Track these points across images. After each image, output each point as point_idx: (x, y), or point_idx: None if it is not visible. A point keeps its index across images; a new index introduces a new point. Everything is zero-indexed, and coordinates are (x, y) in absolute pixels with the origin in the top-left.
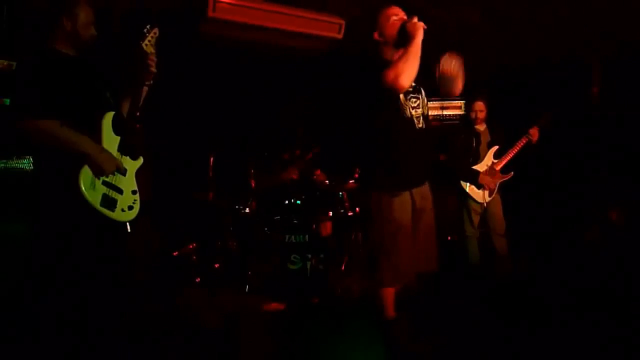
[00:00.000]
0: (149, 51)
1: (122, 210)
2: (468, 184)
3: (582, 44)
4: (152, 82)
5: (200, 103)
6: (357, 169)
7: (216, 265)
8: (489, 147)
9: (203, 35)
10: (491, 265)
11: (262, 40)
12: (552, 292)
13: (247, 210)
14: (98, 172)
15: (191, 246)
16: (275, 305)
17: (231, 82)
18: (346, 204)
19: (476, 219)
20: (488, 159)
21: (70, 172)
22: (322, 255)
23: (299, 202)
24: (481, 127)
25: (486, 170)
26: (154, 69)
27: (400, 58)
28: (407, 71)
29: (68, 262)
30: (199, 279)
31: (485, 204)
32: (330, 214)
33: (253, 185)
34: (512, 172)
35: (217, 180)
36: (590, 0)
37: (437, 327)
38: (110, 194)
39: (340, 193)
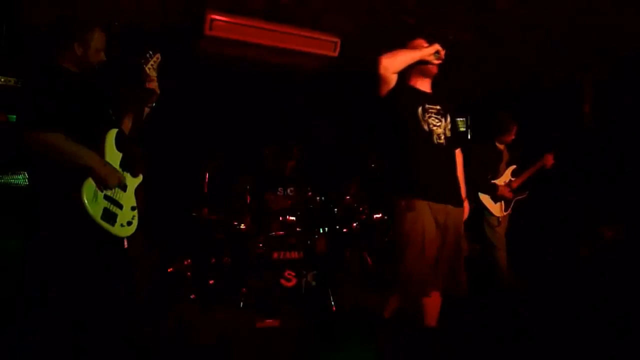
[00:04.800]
0: (151, 75)
1: (122, 225)
2: (486, 199)
3: (573, 63)
4: (154, 104)
5: (196, 119)
6: (353, 186)
7: (211, 282)
8: (507, 165)
9: (200, 53)
10: (494, 279)
11: (258, 58)
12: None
13: (242, 226)
14: (102, 184)
15: (186, 262)
16: (269, 322)
17: (227, 99)
18: (341, 221)
19: (500, 231)
20: (506, 176)
21: (73, 185)
22: (316, 272)
23: (294, 218)
24: (501, 146)
25: (504, 186)
26: (157, 90)
27: (400, 50)
28: (392, 57)
29: (67, 273)
30: (193, 295)
31: (500, 219)
32: (326, 230)
33: (248, 201)
34: (527, 192)
35: (212, 196)
36: (582, 19)
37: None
38: (111, 209)
39: (335, 209)
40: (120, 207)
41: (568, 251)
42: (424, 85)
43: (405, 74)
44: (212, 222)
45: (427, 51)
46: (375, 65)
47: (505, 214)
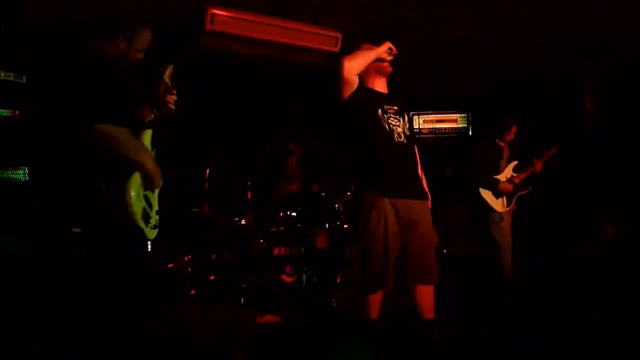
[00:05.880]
0: (169, 83)
1: (151, 227)
2: (487, 194)
3: (575, 60)
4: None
5: (196, 115)
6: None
7: (211, 277)
8: (509, 162)
9: (200, 48)
10: (497, 277)
11: (260, 53)
12: (548, 305)
13: (243, 222)
14: (149, 184)
15: (186, 258)
16: (269, 318)
17: (228, 95)
18: (342, 217)
19: (505, 227)
20: (508, 172)
21: (119, 180)
22: (317, 268)
23: (295, 214)
24: (501, 143)
25: (506, 181)
26: (173, 106)
27: (359, 51)
28: (354, 59)
29: (104, 265)
30: (193, 291)
31: (502, 215)
32: (326, 226)
33: (249, 197)
34: (530, 187)
35: (212, 192)
36: (583, 17)
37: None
38: (147, 209)
39: (337, 205)
40: (151, 208)
41: (568, 249)
42: (380, 86)
43: (362, 77)
44: (213, 218)
45: (381, 49)
46: (338, 68)
47: (507, 209)
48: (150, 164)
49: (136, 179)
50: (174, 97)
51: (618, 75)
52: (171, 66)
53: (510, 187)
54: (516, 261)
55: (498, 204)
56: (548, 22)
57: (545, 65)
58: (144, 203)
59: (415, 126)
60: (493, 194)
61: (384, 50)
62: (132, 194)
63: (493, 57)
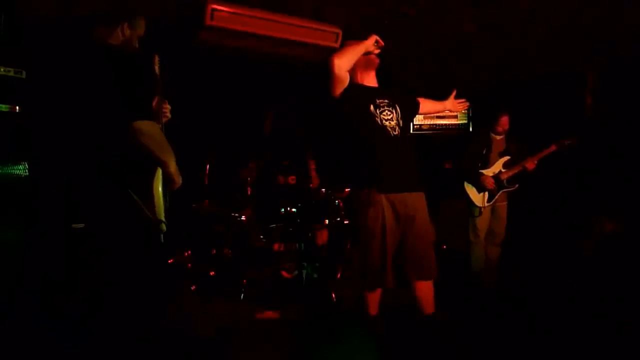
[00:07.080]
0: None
1: (165, 222)
2: (470, 188)
3: (576, 54)
4: None
5: (196, 111)
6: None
7: (211, 273)
8: (500, 156)
9: (200, 44)
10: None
11: (260, 49)
12: (542, 303)
13: (243, 217)
14: (169, 183)
15: (186, 253)
16: (269, 314)
17: (228, 91)
18: (342, 212)
19: (479, 224)
20: (496, 167)
21: (147, 180)
22: (317, 264)
23: (295, 209)
24: (497, 137)
25: (488, 176)
26: (169, 114)
27: (347, 47)
28: (344, 55)
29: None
30: (193, 287)
31: (482, 209)
32: (326, 222)
33: (249, 193)
34: (517, 185)
35: (212, 187)
36: (584, 11)
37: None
38: (166, 205)
39: (337, 201)
40: (167, 204)
41: (568, 245)
42: (370, 80)
43: (351, 73)
44: (213, 214)
45: (369, 42)
46: (329, 66)
47: (487, 205)
48: (172, 164)
49: (159, 174)
50: (169, 107)
51: (619, 70)
52: (156, 56)
53: (491, 183)
54: (516, 257)
55: (479, 199)
56: (549, 15)
57: (546, 59)
58: (163, 200)
59: (416, 122)
60: (476, 188)
61: (371, 43)
62: (159, 189)
63: (493, 51)
